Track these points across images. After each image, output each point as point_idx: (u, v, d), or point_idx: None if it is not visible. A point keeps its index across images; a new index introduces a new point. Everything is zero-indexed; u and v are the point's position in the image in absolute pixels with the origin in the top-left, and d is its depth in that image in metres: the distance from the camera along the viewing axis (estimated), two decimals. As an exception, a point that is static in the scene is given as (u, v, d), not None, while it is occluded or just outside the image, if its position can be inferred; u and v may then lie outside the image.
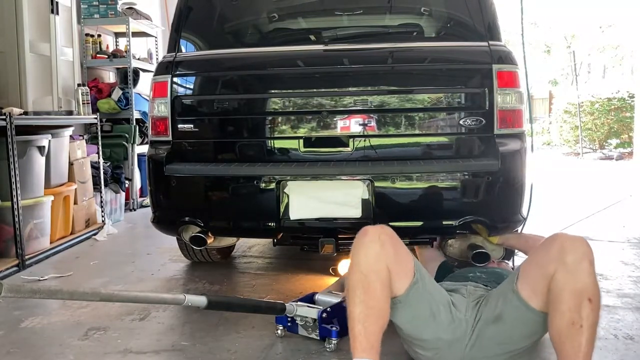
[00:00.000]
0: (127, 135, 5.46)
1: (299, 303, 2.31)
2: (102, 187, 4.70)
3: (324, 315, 2.21)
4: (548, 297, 1.68)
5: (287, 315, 2.28)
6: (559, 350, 1.64)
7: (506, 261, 2.84)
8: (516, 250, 2.86)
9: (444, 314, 1.89)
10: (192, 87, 2.80)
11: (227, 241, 3.06)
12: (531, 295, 1.75)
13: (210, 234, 2.74)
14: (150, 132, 2.81)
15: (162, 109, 2.71)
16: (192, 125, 2.73)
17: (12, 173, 3.37)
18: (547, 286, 1.68)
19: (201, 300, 1.96)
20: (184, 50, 2.88)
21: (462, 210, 2.55)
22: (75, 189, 4.26)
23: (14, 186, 3.39)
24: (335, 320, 2.23)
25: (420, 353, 1.97)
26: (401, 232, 2.68)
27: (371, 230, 1.85)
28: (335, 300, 2.34)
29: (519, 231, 2.81)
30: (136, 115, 5.65)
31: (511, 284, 1.83)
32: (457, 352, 1.88)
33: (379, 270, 1.77)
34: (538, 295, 1.72)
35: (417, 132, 2.61)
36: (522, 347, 1.85)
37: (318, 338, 2.26)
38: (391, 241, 1.83)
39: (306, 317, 2.26)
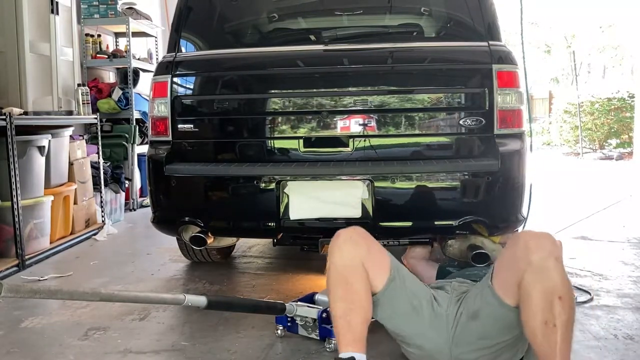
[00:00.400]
0: (127, 135, 5.46)
1: (298, 303, 2.31)
2: (102, 187, 4.70)
3: (324, 315, 2.21)
4: (519, 295, 1.68)
5: (287, 315, 2.29)
6: (536, 349, 1.65)
7: None
8: None
9: (425, 310, 1.91)
10: (192, 87, 2.80)
11: (226, 241, 3.06)
12: (505, 292, 1.75)
13: (210, 234, 2.74)
14: (150, 132, 2.81)
15: (162, 109, 2.71)
16: (192, 125, 2.73)
17: (12, 173, 3.37)
18: (517, 284, 1.68)
19: (201, 300, 1.96)
20: (184, 50, 2.88)
21: (462, 210, 2.55)
22: (75, 189, 4.26)
23: (14, 186, 3.39)
24: None
25: (407, 350, 2.00)
26: (401, 232, 2.72)
27: (343, 232, 1.91)
28: (335, 300, 2.34)
29: (519, 231, 2.81)
30: (136, 115, 5.65)
31: (487, 280, 1.84)
32: (441, 348, 1.89)
33: (355, 266, 1.83)
34: (510, 292, 1.72)
35: (417, 132, 2.62)
36: (503, 341, 1.84)
37: (318, 338, 2.26)
38: (363, 240, 1.89)
39: (306, 317, 2.26)
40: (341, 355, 1.76)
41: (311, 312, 2.25)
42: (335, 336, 1.83)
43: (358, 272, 1.83)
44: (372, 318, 1.89)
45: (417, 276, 2.15)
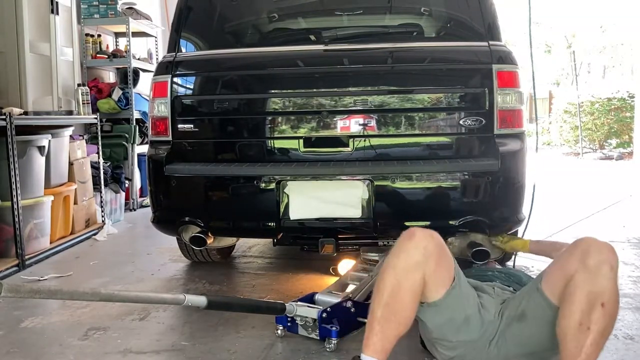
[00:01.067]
0: (127, 135, 5.46)
1: (298, 303, 2.30)
2: (102, 187, 4.70)
3: (324, 315, 2.21)
4: (563, 294, 1.66)
5: (287, 315, 2.28)
6: (562, 348, 1.62)
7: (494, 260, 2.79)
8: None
9: (476, 317, 1.85)
10: (192, 87, 2.80)
11: (226, 241, 3.06)
12: (553, 294, 1.72)
13: (210, 234, 2.74)
14: (150, 132, 2.81)
15: (162, 109, 2.71)
16: (192, 125, 2.73)
17: (12, 173, 3.37)
18: (565, 284, 1.66)
19: (201, 300, 1.96)
20: (184, 50, 2.88)
21: (462, 210, 2.55)
22: (75, 189, 4.26)
23: (14, 186, 3.38)
24: (335, 320, 2.23)
25: (443, 352, 1.93)
26: (401, 232, 2.71)
27: (417, 236, 1.77)
28: (335, 300, 2.34)
29: (518, 232, 2.81)
30: (136, 115, 5.65)
31: (536, 284, 1.81)
32: (480, 352, 1.86)
33: (414, 279, 1.73)
34: (559, 293, 1.70)
35: (417, 132, 2.62)
36: (542, 350, 1.81)
37: (318, 338, 2.26)
38: (436, 251, 1.76)
39: (306, 317, 2.26)
40: (362, 357, 1.71)
41: (311, 312, 2.25)
42: (366, 332, 1.74)
43: (414, 285, 1.73)
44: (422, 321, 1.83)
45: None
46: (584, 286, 1.61)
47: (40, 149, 3.75)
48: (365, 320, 2.28)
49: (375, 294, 1.77)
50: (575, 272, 1.64)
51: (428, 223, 2.62)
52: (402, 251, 1.76)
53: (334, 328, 2.20)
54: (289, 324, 2.33)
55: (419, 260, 1.73)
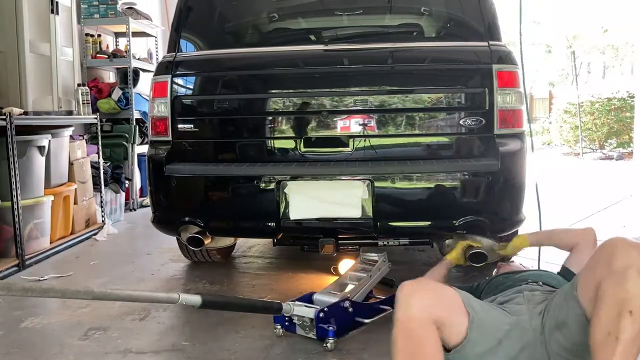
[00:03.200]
0: (127, 135, 5.46)
1: (296, 303, 2.30)
2: (102, 187, 4.70)
3: (321, 315, 2.21)
4: (594, 302, 1.56)
5: (285, 314, 2.28)
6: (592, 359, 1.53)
7: (512, 261, 2.77)
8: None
9: (508, 336, 1.75)
10: (192, 87, 2.80)
11: (224, 242, 3.06)
12: (588, 301, 1.62)
13: (207, 235, 2.74)
14: (150, 132, 2.81)
15: (162, 109, 2.71)
16: (192, 125, 2.73)
17: (12, 173, 3.37)
18: (595, 292, 1.56)
19: (196, 299, 1.95)
20: (184, 50, 2.88)
21: (462, 210, 2.55)
22: (75, 189, 4.26)
23: (14, 186, 3.39)
24: (333, 320, 2.23)
25: None
26: (401, 232, 2.71)
27: (406, 285, 1.65)
28: (333, 300, 2.33)
29: (518, 231, 2.81)
30: (136, 115, 5.65)
31: (572, 290, 1.72)
32: None
33: (424, 321, 1.59)
34: (591, 301, 1.59)
35: (417, 132, 2.62)
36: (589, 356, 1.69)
37: (315, 337, 2.26)
38: (431, 291, 1.65)
39: (303, 317, 2.26)
40: None
41: (308, 311, 2.24)
42: None
43: (429, 329, 1.59)
44: None
45: None
46: (609, 293, 1.52)
47: (40, 149, 3.75)
48: (365, 320, 2.28)
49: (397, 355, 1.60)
50: (602, 278, 1.54)
51: (428, 223, 2.62)
52: (402, 303, 1.62)
53: (331, 328, 2.20)
54: (287, 323, 2.33)
55: (420, 302, 1.60)
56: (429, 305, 1.60)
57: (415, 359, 1.56)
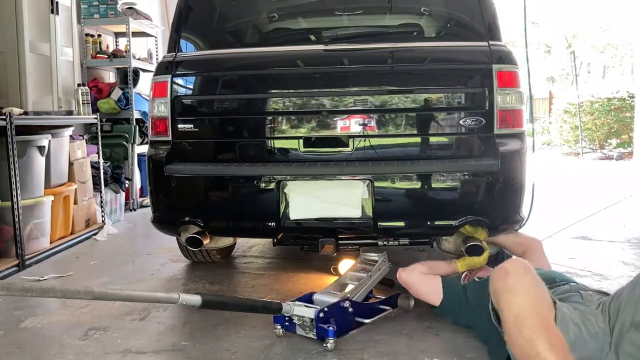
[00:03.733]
0: (127, 135, 5.46)
1: (296, 303, 2.30)
2: (102, 187, 4.70)
3: (321, 315, 2.21)
4: None
5: (285, 314, 2.28)
6: None
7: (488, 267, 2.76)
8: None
9: (582, 335, 1.80)
10: (192, 87, 2.80)
11: (224, 242, 3.05)
12: None
13: (206, 235, 2.74)
14: (150, 132, 2.81)
15: (162, 109, 2.71)
16: (192, 125, 2.73)
17: (12, 173, 3.37)
18: None
19: (195, 299, 1.96)
20: (184, 50, 2.88)
21: (462, 210, 2.55)
22: (75, 189, 4.26)
23: (14, 186, 3.39)
24: (333, 320, 2.23)
25: None
26: (401, 232, 2.71)
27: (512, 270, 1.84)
28: (333, 300, 2.34)
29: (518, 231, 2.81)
30: (136, 115, 5.65)
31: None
32: None
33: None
34: None
35: (417, 132, 2.61)
36: None
37: (315, 337, 2.26)
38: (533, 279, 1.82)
39: (303, 316, 2.26)
40: None
41: (308, 311, 2.24)
42: None
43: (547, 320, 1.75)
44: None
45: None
46: None
47: (40, 149, 3.75)
48: (365, 320, 2.28)
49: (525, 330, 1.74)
50: None
51: (428, 223, 2.62)
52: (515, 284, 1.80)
53: (330, 328, 2.20)
54: (287, 323, 2.33)
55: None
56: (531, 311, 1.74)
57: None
